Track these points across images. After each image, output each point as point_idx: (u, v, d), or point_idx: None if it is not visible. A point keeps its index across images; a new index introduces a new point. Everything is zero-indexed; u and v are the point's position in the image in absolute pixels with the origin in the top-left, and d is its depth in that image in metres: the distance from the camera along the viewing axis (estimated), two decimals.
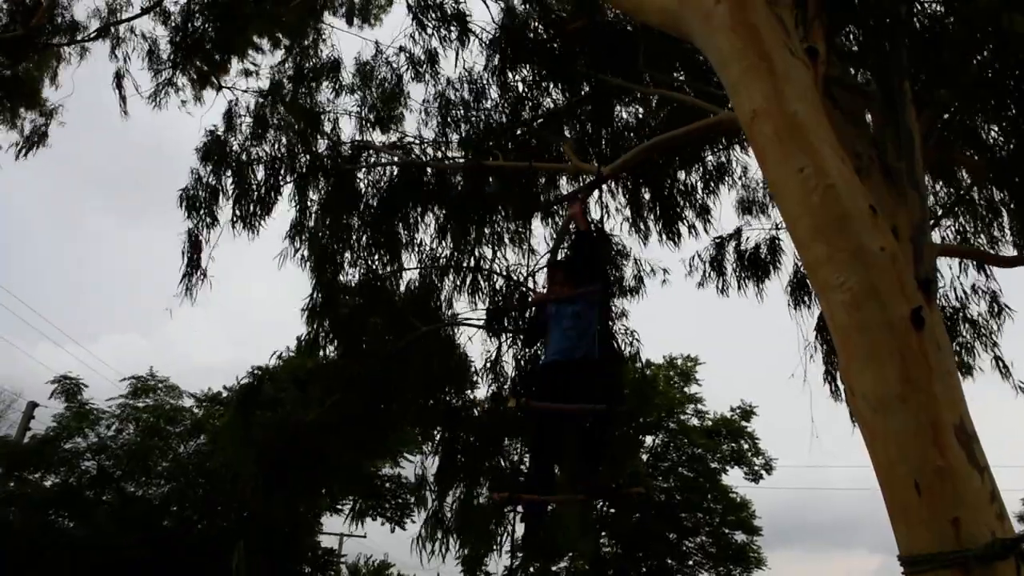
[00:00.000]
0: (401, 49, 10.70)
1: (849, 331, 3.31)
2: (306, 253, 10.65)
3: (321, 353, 12.11)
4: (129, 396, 21.95)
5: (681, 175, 10.65)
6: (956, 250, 8.71)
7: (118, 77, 11.89)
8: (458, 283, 10.70)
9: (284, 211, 10.79)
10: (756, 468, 27.48)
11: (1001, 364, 9.27)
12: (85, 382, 21.41)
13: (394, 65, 10.83)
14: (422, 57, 10.55)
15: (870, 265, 3.29)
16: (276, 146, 10.72)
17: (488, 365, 10.58)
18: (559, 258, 8.24)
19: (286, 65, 11.58)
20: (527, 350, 9.97)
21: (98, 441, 20.88)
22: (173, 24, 11.56)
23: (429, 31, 10.18)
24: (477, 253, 10.41)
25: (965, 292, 9.24)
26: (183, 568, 18.42)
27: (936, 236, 8.95)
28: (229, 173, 10.54)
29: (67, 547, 18.17)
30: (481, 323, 10.41)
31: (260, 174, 10.57)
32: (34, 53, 11.96)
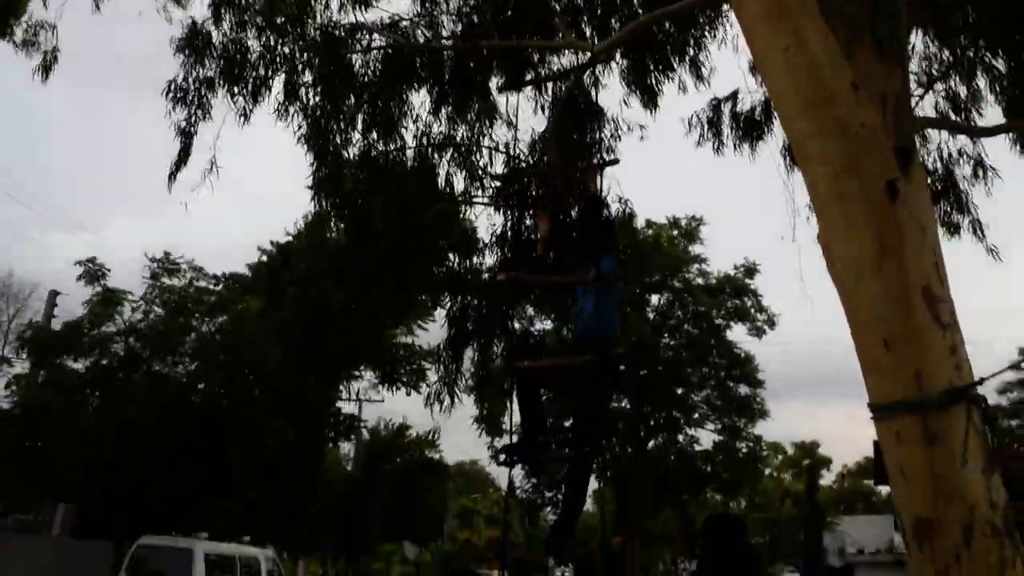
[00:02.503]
0: None
1: (829, 200, 3.52)
2: (305, 132, 10.67)
3: (331, 231, 12.43)
4: (152, 278, 22.48)
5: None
6: (938, 121, 8.72)
7: None
8: (457, 158, 10.81)
9: (279, 93, 10.61)
10: (759, 324, 28.23)
11: (978, 228, 9.61)
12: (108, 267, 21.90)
13: None
14: None
15: (850, 139, 3.46)
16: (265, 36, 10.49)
17: (493, 239, 10.91)
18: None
19: None
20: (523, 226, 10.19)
21: (127, 325, 21.56)
22: None
23: None
24: (475, 129, 10.45)
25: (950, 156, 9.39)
26: (213, 441, 19.48)
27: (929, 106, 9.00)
28: (219, 63, 10.40)
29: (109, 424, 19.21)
30: (484, 201, 10.61)
31: (253, 58, 10.43)
32: None
